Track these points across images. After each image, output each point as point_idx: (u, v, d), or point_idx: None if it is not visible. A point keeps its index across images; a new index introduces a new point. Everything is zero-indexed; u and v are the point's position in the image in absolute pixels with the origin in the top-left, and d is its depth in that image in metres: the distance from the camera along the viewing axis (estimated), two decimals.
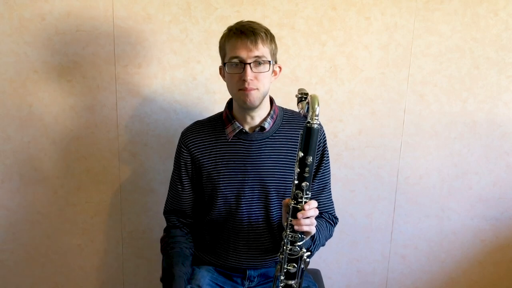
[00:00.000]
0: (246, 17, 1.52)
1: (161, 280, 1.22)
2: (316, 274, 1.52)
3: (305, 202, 1.05)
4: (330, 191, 1.34)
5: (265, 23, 1.53)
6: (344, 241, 1.75)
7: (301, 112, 1.08)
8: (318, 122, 1.02)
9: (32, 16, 1.48)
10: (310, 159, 1.02)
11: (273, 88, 1.58)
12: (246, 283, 1.31)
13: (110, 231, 1.69)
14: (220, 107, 1.57)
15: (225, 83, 1.44)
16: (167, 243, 1.29)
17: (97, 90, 1.56)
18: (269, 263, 1.30)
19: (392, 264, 1.80)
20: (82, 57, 1.53)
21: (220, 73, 1.27)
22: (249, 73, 1.14)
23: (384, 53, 1.59)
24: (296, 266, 1.09)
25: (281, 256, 1.10)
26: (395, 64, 1.60)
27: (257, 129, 1.24)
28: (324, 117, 1.64)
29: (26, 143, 1.58)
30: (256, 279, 1.31)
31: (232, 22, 1.52)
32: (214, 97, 1.59)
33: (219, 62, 1.55)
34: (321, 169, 1.29)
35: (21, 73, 1.52)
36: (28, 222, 1.65)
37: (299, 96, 1.11)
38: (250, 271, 1.30)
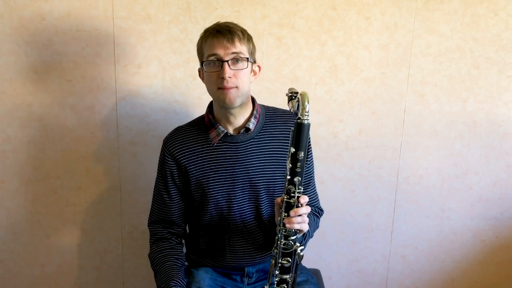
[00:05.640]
0: (246, 17, 1.52)
1: None
2: (316, 274, 1.52)
3: (298, 197, 1.06)
4: (315, 185, 1.36)
5: (265, 23, 1.54)
6: (344, 241, 1.75)
7: (291, 110, 1.09)
8: (308, 119, 1.02)
9: (32, 16, 1.48)
10: (301, 154, 1.03)
11: (273, 88, 1.58)
12: (246, 279, 1.31)
13: (110, 231, 1.69)
14: None
15: None
16: (157, 259, 1.26)
17: (97, 90, 1.56)
18: (266, 258, 1.31)
19: (392, 264, 1.80)
20: (82, 57, 1.53)
21: (200, 76, 1.26)
22: (227, 70, 1.13)
23: (384, 53, 1.59)
24: (290, 260, 1.10)
25: (275, 250, 1.10)
26: (395, 64, 1.60)
27: (242, 130, 1.23)
28: (324, 117, 1.64)
29: (26, 143, 1.58)
30: (255, 275, 1.31)
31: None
32: None
33: None
34: (306, 164, 1.29)
35: (21, 73, 1.52)
36: (28, 222, 1.65)
37: (289, 95, 1.11)
38: (248, 268, 1.30)
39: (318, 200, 1.38)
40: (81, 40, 1.52)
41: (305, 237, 1.22)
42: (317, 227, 1.35)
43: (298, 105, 1.03)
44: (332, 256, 1.77)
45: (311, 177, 1.33)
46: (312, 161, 1.34)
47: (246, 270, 1.30)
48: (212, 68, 1.16)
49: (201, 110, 1.58)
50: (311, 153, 1.33)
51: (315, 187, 1.36)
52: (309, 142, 1.29)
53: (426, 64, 1.60)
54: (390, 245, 1.77)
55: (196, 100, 1.59)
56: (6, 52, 1.50)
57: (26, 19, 1.48)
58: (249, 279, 1.31)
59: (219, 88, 1.15)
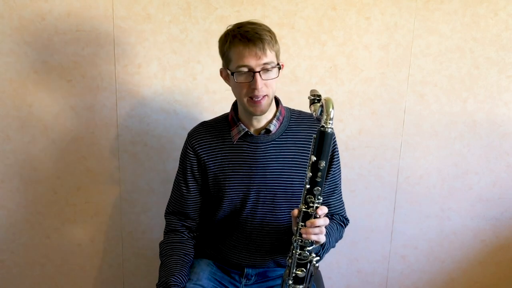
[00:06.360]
0: (246, 17, 1.52)
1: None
2: (316, 274, 1.52)
3: (317, 207, 1.03)
4: (341, 193, 1.33)
5: (265, 23, 1.52)
6: (344, 241, 1.74)
7: (314, 114, 1.06)
8: (332, 127, 1.00)
9: (32, 16, 1.48)
10: (323, 163, 1.00)
11: None
12: (244, 280, 1.30)
13: (110, 231, 1.70)
14: (220, 107, 1.57)
15: (225, 84, 1.43)
16: (165, 250, 1.27)
17: (97, 90, 1.56)
18: (268, 263, 1.30)
19: (392, 264, 1.80)
20: (82, 57, 1.53)
21: (221, 75, 1.24)
22: (260, 82, 1.11)
23: (384, 53, 1.59)
24: (305, 270, 1.08)
25: (289, 260, 1.08)
26: (395, 64, 1.60)
27: (263, 131, 1.22)
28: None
29: (26, 143, 1.58)
30: (253, 277, 1.31)
31: (232, 22, 1.51)
32: (214, 97, 1.59)
33: (219, 62, 1.55)
34: (331, 171, 1.27)
35: (21, 73, 1.52)
36: (28, 222, 1.65)
37: (312, 98, 1.09)
38: (248, 269, 1.30)
39: (344, 209, 1.35)
40: (81, 40, 1.52)
41: (323, 248, 1.20)
42: (340, 237, 1.32)
43: (322, 110, 1.00)
44: (332, 256, 1.77)
45: (336, 185, 1.31)
46: (339, 168, 1.31)
47: (245, 271, 1.30)
48: (243, 79, 1.13)
49: (201, 110, 1.59)
50: (338, 159, 1.29)
51: (341, 195, 1.33)
52: (336, 148, 1.28)
53: (426, 64, 1.60)
54: (390, 245, 1.77)
55: (196, 100, 1.59)
56: (6, 52, 1.50)
57: (26, 19, 1.48)
58: (247, 281, 1.31)
59: (250, 98, 1.14)
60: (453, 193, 1.73)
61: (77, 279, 1.73)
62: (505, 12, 1.57)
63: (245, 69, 1.12)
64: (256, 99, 1.13)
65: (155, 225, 1.69)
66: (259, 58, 1.10)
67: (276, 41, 1.16)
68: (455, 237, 1.77)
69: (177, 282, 1.18)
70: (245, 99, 1.15)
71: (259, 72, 1.11)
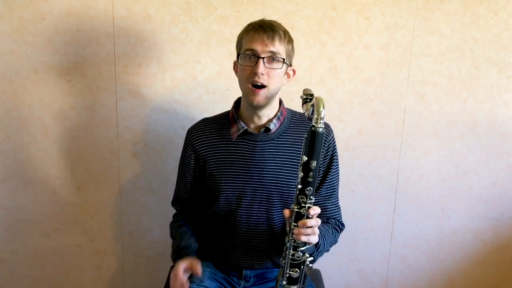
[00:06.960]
0: (246, 17, 1.52)
1: (172, 257, 1.25)
2: (316, 274, 1.52)
3: (309, 208, 1.03)
4: (338, 197, 1.33)
5: None
6: (344, 241, 1.75)
7: (305, 114, 1.07)
8: (323, 126, 1.01)
9: (32, 16, 1.48)
10: (314, 163, 1.00)
11: None
12: (242, 282, 1.30)
13: (110, 231, 1.70)
14: (220, 107, 1.57)
15: (225, 84, 1.44)
16: (174, 227, 1.33)
17: (97, 90, 1.56)
18: (266, 264, 1.30)
19: (392, 264, 1.80)
20: (82, 57, 1.53)
21: (234, 68, 1.25)
22: (261, 67, 1.12)
23: (384, 53, 1.59)
24: (298, 271, 1.07)
25: (283, 261, 1.08)
26: (395, 64, 1.60)
27: (262, 129, 1.22)
28: (324, 117, 1.63)
29: (26, 143, 1.58)
30: (252, 279, 1.31)
31: (232, 22, 1.53)
32: (214, 97, 1.59)
33: (219, 62, 1.56)
34: (330, 174, 1.27)
35: (21, 73, 1.52)
36: (28, 222, 1.65)
37: (304, 97, 1.09)
38: (246, 271, 1.30)
39: (340, 214, 1.34)
40: (81, 40, 1.51)
41: (318, 249, 1.19)
42: (335, 241, 1.31)
43: (313, 110, 1.00)
44: (332, 256, 1.77)
45: (334, 189, 1.30)
46: (338, 173, 1.31)
47: (243, 273, 1.30)
48: (247, 62, 1.15)
49: (201, 110, 1.59)
50: (337, 163, 1.29)
51: (337, 200, 1.33)
52: (336, 152, 1.28)
53: (426, 64, 1.60)
54: (390, 245, 1.77)
55: (196, 100, 1.59)
56: (6, 52, 1.50)
57: (26, 19, 1.48)
58: (246, 283, 1.31)
59: (251, 86, 1.15)
60: (453, 193, 1.73)
61: (77, 279, 1.73)
62: (505, 12, 1.57)
63: (251, 53, 1.14)
64: (256, 87, 1.14)
65: (155, 225, 1.69)
66: (266, 45, 1.13)
67: (289, 42, 1.18)
68: (455, 237, 1.77)
69: (187, 245, 1.22)
70: (247, 86, 1.16)
71: (263, 58, 1.13)
